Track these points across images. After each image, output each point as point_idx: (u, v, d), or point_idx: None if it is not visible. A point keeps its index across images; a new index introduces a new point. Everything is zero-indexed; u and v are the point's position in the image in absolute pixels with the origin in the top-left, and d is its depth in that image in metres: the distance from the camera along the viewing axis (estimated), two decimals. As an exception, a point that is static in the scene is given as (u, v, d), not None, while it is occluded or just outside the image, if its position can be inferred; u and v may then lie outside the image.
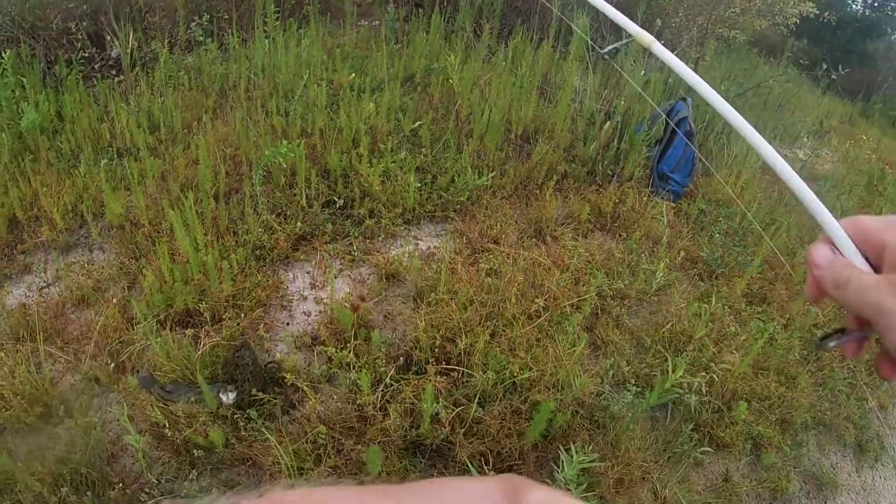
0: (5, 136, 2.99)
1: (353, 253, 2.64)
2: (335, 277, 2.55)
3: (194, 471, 1.97)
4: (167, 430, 1.96)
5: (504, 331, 2.41)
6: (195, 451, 1.95)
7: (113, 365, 2.24)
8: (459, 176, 3.03)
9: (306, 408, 2.10)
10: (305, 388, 2.16)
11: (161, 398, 2.09)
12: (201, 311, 2.27)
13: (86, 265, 2.64)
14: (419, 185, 2.91)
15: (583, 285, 2.79)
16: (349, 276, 2.58)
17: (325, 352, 2.24)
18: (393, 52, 4.07)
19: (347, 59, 3.79)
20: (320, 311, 2.44)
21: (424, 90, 3.79)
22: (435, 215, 2.92)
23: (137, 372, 2.18)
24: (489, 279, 2.57)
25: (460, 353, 2.25)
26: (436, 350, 2.26)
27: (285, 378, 2.22)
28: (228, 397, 2.13)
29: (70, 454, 1.95)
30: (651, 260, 3.10)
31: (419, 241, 2.84)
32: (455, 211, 2.96)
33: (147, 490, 1.94)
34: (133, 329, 2.33)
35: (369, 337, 2.24)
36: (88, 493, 1.90)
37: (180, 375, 2.14)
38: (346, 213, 2.78)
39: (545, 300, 2.57)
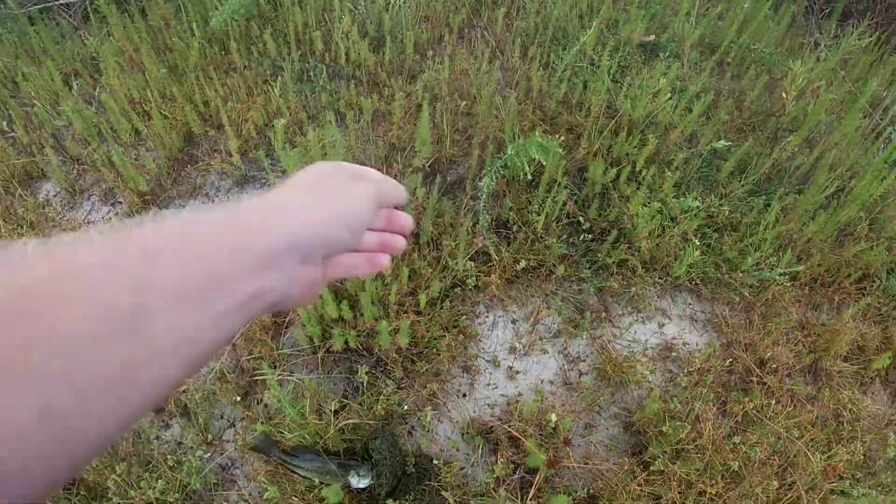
0: (198, 30, 2.32)
1: (580, 312, 1.85)
2: (544, 351, 1.79)
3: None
4: None
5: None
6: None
7: (242, 391, 1.71)
8: (752, 251, 2.07)
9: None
10: (450, 502, 1.53)
11: (281, 464, 1.54)
12: (360, 365, 1.62)
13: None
14: (698, 243, 1.99)
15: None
16: (564, 348, 1.81)
17: (493, 469, 1.57)
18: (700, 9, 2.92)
19: (645, 5, 2.72)
20: (508, 402, 1.72)
21: (737, 71, 2.68)
22: (700, 292, 2.02)
23: (253, 433, 1.64)
24: (735, 459, 1.74)
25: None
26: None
27: (438, 475, 1.60)
28: (359, 481, 1.54)
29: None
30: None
31: (667, 320, 1.97)
32: (727, 299, 2.05)
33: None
34: (279, 345, 1.76)
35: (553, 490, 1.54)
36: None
37: (308, 443, 1.57)
38: (589, 248, 1.95)
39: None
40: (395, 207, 0.50)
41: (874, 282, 2.34)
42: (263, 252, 0.34)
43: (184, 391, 1.78)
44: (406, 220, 0.51)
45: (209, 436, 1.74)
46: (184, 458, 1.70)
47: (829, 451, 2.02)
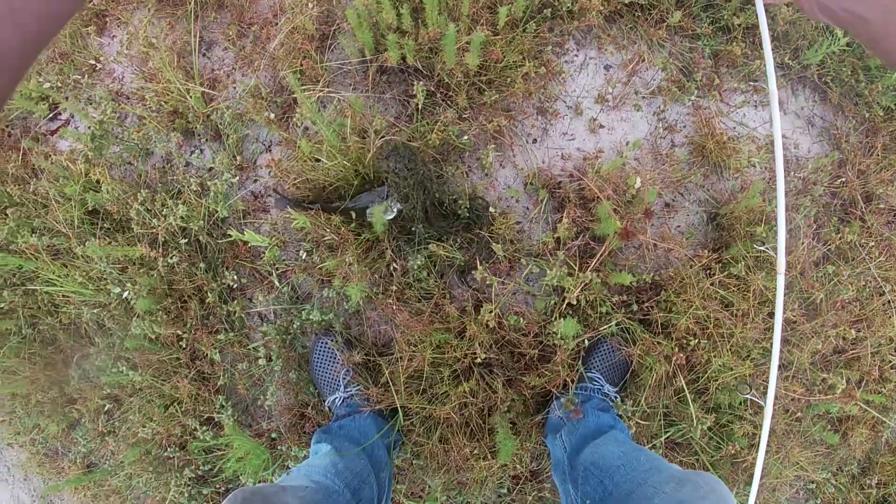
0: None
1: (688, 74, 1.48)
2: (639, 108, 1.45)
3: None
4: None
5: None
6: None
7: (280, 111, 1.40)
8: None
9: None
10: (500, 255, 1.27)
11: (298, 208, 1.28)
12: (412, 84, 1.28)
13: None
14: (841, 35, 1.59)
15: None
16: (660, 110, 1.47)
17: (555, 228, 1.29)
18: None
19: None
20: (586, 157, 1.40)
21: None
22: (828, 93, 1.65)
23: (274, 191, 1.35)
24: (819, 290, 1.48)
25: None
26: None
27: (492, 225, 1.33)
28: (390, 211, 1.26)
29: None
30: None
31: (781, 113, 1.60)
32: (855, 112, 1.69)
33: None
34: (323, 58, 1.40)
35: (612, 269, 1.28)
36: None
37: (347, 172, 1.28)
38: (713, 2, 1.54)
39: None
40: None
41: None
42: None
43: (213, 112, 1.45)
44: None
45: (239, 159, 1.44)
46: (210, 184, 1.41)
47: (909, 322, 1.76)
